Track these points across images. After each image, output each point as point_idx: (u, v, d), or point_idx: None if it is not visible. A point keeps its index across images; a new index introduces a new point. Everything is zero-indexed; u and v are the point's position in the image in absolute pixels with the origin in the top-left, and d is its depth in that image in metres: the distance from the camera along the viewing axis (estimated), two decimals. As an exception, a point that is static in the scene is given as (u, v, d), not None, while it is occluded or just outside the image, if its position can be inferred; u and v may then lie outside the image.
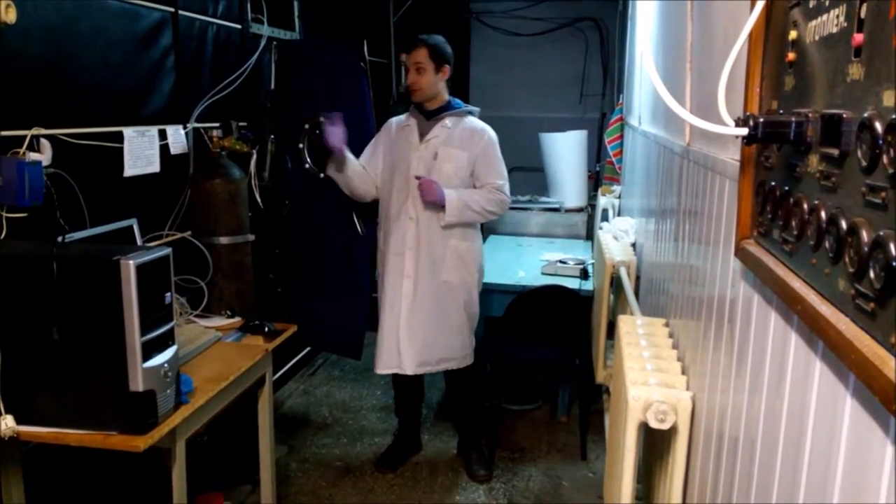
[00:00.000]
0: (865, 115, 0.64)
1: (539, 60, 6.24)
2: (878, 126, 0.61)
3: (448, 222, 2.95)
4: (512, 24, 6.24)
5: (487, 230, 5.02)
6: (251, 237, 2.90)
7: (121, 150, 2.44)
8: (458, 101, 3.08)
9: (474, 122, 3.08)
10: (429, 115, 3.03)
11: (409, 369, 3.03)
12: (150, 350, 1.75)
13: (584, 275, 3.76)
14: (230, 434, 2.89)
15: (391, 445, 3.37)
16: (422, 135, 3.01)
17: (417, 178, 2.92)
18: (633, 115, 3.97)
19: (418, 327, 3.00)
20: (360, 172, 3.07)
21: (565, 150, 5.20)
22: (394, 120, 3.17)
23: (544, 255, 4.22)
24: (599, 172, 5.37)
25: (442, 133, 3.00)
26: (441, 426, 3.64)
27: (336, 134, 2.94)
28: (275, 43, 3.57)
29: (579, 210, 5.10)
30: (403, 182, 3.00)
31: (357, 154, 3.11)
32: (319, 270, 3.58)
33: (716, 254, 1.38)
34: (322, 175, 3.49)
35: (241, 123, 3.09)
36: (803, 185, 0.82)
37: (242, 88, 3.16)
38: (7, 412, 1.75)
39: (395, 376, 3.18)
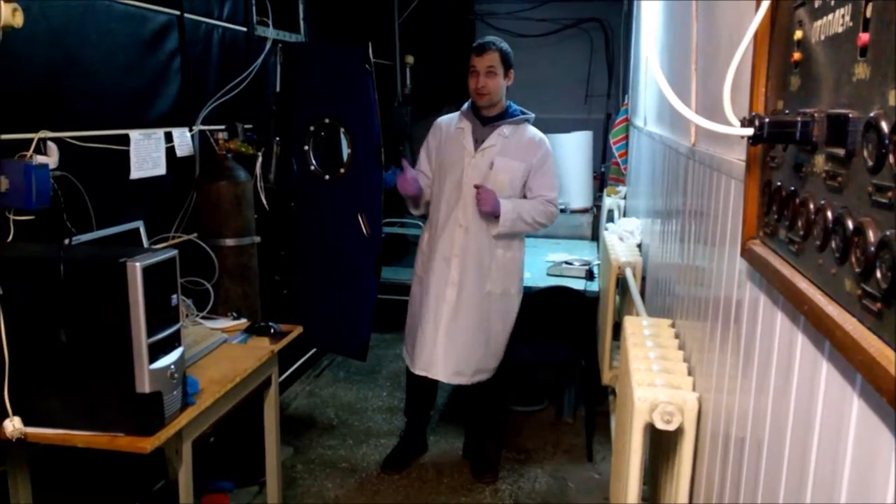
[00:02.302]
0: (871, 114, 0.63)
1: (544, 61, 6.24)
2: (885, 125, 0.61)
3: (500, 233, 2.93)
4: (517, 26, 6.24)
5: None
6: (257, 239, 2.91)
7: (127, 153, 2.45)
8: (515, 106, 3.04)
9: (532, 131, 3.03)
10: (485, 121, 2.98)
11: (444, 377, 3.03)
12: (156, 352, 1.76)
13: (590, 276, 3.76)
14: (236, 435, 2.90)
15: (397, 446, 3.36)
16: (476, 140, 2.97)
17: (476, 187, 2.88)
18: (638, 115, 3.97)
19: (458, 336, 2.99)
20: (426, 190, 3.09)
21: (571, 151, 5.20)
22: (443, 120, 3.12)
23: (550, 256, 4.22)
24: (605, 173, 5.36)
25: (499, 142, 2.95)
26: (446, 427, 3.64)
27: (407, 182, 2.96)
28: (280, 45, 3.58)
29: (585, 211, 5.09)
30: (455, 188, 2.96)
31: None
32: (325, 272, 3.59)
33: (722, 254, 1.38)
34: (327, 177, 3.50)
35: (246, 126, 3.10)
36: (809, 184, 0.82)
37: (248, 91, 3.17)
38: (15, 414, 1.76)
39: (411, 377, 3.18)
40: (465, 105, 3.07)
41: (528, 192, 3.00)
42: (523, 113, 3.04)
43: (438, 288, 3.00)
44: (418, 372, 3.06)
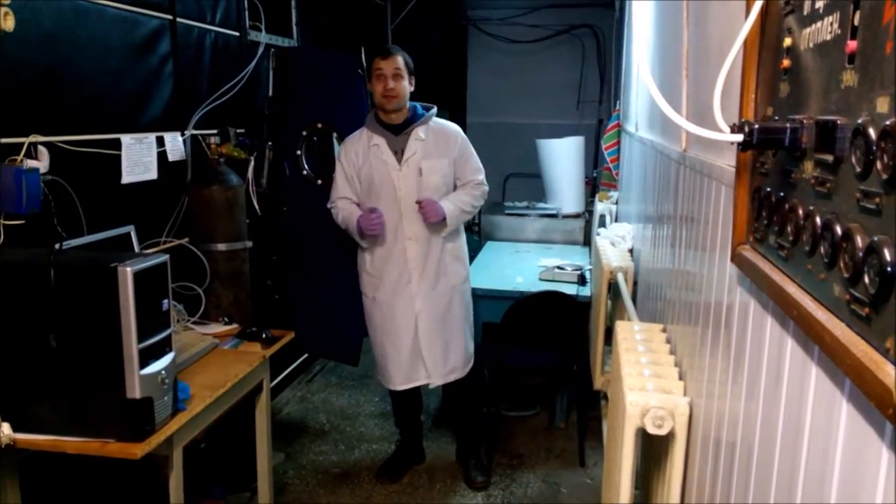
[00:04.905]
0: (859, 121, 0.64)
1: (536, 67, 6.27)
2: (872, 132, 0.61)
3: (449, 231, 2.95)
4: (509, 31, 6.27)
5: (485, 236, 5.03)
6: (249, 244, 2.90)
7: (118, 158, 2.44)
8: (417, 106, 2.98)
9: (441, 124, 3.02)
10: (397, 130, 2.91)
11: (439, 379, 3.03)
12: (147, 357, 1.75)
13: (582, 281, 3.77)
14: (228, 441, 2.88)
15: (393, 455, 3.34)
16: (395, 152, 2.91)
17: (418, 202, 2.86)
18: (629, 121, 3.98)
19: (435, 338, 2.99)
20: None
21: (562, 157, 5.21)
22: (352, 140, 2.99)
23: (542, 261, 4.22)
24: (596, 178, 5.38)
25: (419, 147, 2.91)
26: (438, 432, 3.64)
27: (375, 223, 2.88)
28: (273, 50, 3.58)
29: (577, 216, 5.10)
30: (392, 205, 2.91)
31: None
32: (317, 277, 3.58)
33: (712, 259, 1.38)
34: (320, 182, 3.50)
35: (238, 130, 3.09)
36: (798, 190, 0.83)
37: (240, 95, 3.16)
38: (4, 420, 1.75)
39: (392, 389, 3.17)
40: (369, 119, 2.97)
41: (458, 181, 3.01)
42: (426, 109, 3.00)
43: (405, 305, 2.96)
44: (401, 387, 3.04)
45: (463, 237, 3.15)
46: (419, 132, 2.93)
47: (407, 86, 2.91)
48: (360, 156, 2.96)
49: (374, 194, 2.93)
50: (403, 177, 2.91)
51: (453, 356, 3.03)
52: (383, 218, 2.90)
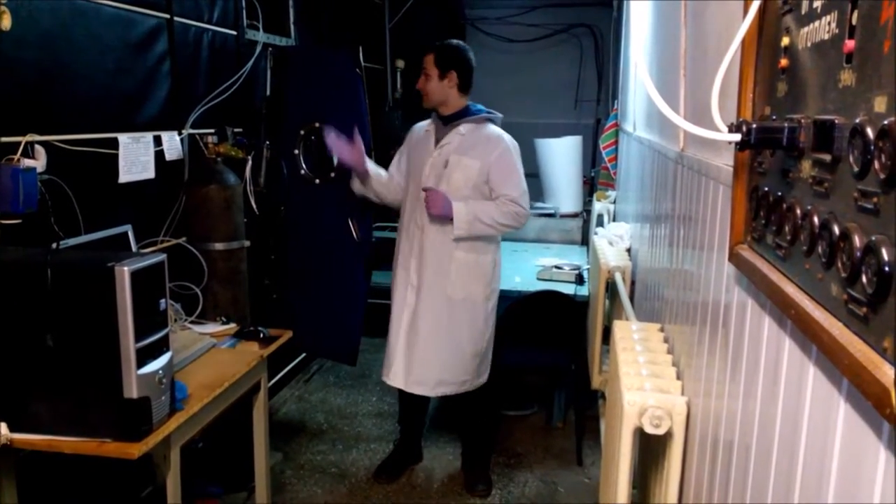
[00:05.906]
0: (857, 120, 0.64)
1: (534, 66, 6.26)
2: (870, 132, 0.61)
3: (458, 236, 2.84)
4: (507, 31, 6.26)
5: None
6: (246, 243, 2.90)
7: (116, 157, 2.44)
8: (479, 106, 2.97)
9: (493, 129, 2.95)
10: (446, 121, 2.96)
11: (403, 385, 2.98)
12: (144, 356, 1.75)
13: (580, 280, 3.77)
14: (225, 441, 2.88)
15: (391, 455, 3.33)
16: (437, 140, 2.95)
17: (425, 190, 2.85)
18: (627, 120, 3.99)
19: (417, 342, 2.93)
20: (384, 181, 3.07)
21: (560, 156, 5.22)
22: (418, 125, 3.14)
23: (540, 261, 4.23)
24: (594, 178, 5.38)
25: (455, 140, 2.90)
26: (438, 432, 3.64)
27: (341, 147, 2.97)
28: (270, 49, 3.58)
29: (574, 216, 5.11)
30: (416, 189, 2.94)
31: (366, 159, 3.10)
32: (315, 276, 3.58)
33: (710, 259, 1.38)
34: (317, 181, 3.50)
35: (236, 129, 3.09)
36: (796, 190, 0.83)
37: (238, 94, 3.16)
38: (1, 420, 1.75)
39: None
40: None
41: (492, 192, 2.89)
42: (489, 113, 2.97)
43: (400, 292, 2.98)
44: (385, 380, 3.04)
45: (486, 257, 2.95)
46: (462, 128, 2.93)
47: (436, 84, 2.91)
48: (414, 139, 3.10)
49: (411, 175, 3.03)
50: (432, 164, 2.93)
51: (427, 370, 2.94)
52: (350, 148, 2.97)
